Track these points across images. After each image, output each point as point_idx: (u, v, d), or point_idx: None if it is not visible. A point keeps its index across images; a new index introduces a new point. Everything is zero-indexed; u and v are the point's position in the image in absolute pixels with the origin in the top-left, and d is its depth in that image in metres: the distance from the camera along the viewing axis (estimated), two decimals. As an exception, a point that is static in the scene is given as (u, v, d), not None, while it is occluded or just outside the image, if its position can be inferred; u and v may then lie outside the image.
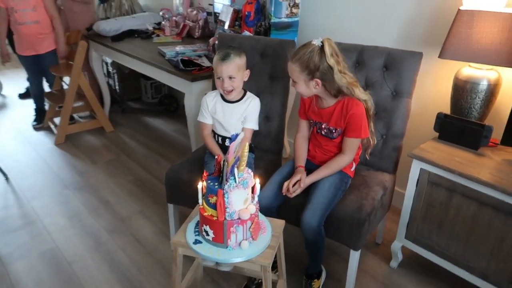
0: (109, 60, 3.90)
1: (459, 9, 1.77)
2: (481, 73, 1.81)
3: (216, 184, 1.43)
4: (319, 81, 1.65)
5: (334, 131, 1.77)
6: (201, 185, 1.46)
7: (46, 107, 3.66)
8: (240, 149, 1.41)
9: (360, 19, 2.35)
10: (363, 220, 1.71)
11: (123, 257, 2.12)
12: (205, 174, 1.48)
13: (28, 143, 3.34)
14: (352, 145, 1.76)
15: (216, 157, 1.49)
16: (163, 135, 3.52)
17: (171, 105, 3.88)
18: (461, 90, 1.85)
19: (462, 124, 1.83)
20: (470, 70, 1.84)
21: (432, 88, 2.15)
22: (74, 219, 2.42)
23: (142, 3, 4.03)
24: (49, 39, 3.25)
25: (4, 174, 2.82)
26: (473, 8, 1.74)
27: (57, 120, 3.49)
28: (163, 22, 3.33)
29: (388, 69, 1.93)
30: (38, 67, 3.37)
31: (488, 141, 1.79)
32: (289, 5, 2.38)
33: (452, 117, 1.87)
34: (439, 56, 1.83)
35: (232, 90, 1.86)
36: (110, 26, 3.25)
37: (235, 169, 1.41)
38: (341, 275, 2.00)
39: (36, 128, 3.60)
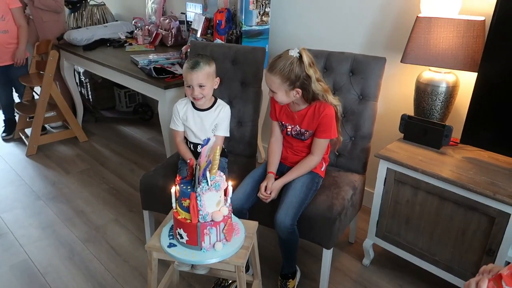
0: (81, 69, 3.88)
1: (417, 16, 1.87)
2: (440, 76, 1.91)
3: (189, 187, 1.46)
4: (299, 90, 1.72)
5: (305, 132, 1.84)
6: (174, 189, 1.48)
7: (16, 117, 3.60)
8: (212, 152, 1.45)
9: (328, 26, 2.44)
10: (334, 219, 1.77)
11: (98, 266, 2.11)
12: (178, 178, 1.51)
13: (-1, 155, 3.28)
14: (321, 146, 1.83)
15: (188, 161, 1.52)
16: (137, 143, 3.52)
17: (145, 113, 3.88)
18: (423, 92, 1.95)
19: (425, 124, 1.93)
20: (430, 74, 1.95)
21: (396, 91, 2.25)
22: (48, 230, 2.39)
23: (114, 12, 4.03)
24: (10, 52, 3.21)
25: (-27, 187, 2.76)
26: (430, 15, 1.84)
27: (28, 131, 3.43)
28: (135, 31, 3.34)
29: (354, 74, 2.01)
30: (6, 78, 3.32)
31: (449, 140, 1.89)
32: (259, 13, 2.45)
33: (415, 118, 1.96)
34: (401, 61, 1.93)
35: (202, 97, 1.89)
36: (82, 35, 3.24)
37: (207, 172, 1.45)
38: (316, 274, 2.05)
39: (6, 140, 3.53)
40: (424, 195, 1.83)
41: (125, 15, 4.01)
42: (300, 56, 1.68)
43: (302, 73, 1.68)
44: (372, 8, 2.24)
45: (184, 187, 1.46)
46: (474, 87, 1.75)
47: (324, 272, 1.89)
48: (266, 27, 2.51)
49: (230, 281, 1.93)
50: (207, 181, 1.44)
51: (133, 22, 3.51)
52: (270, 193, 1.80)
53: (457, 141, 1.92)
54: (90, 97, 3.97)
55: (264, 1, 2.43)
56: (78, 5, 3.92)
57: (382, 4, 2.19)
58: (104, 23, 3.83)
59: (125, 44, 3.23)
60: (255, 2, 2.40)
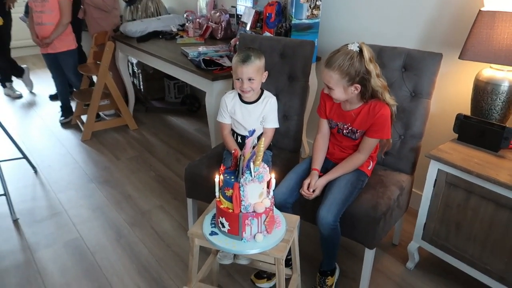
0: (134, 61, 4.02)
1: (480, 10, 1.76)
2: (502, 74, 1.79)
3: (232, 177, 1.47)
4: (358, 86, 1.66)
5: (357, 132, 1.79)
6: (218, 178, 1.50)
7: (72, 104, 3.81)
8: (257, 144, 1.45)
9: (380, 20, 2.36)
10: (378, 218, 1.72)
11: (143, 249, 2.19)
12: (222, 168, 1.52)
13: (56, 139, 3.48)
14: (370, 145, 1.78)
15: (233, 151, 1.53)
16: (184, 133, 3.60)
17: (193, 105, 3.96)
18: (482, 91, 1.84)
19: (482, 125, 1.82)
20: (491, 71, 1.83)
21: (452, 89, 2.14)
22: (98, 211, 2.51)
23: (167, 6, 4.14)
24: (63, 40, 3.38)
25: (33, 167, 2.95)
26: (494, 9, 1.73)
27: (84, 117, 3.62)
28: (187, 24, 3.41)
29: (407, 70, 1.93)
30: (58, 65, 3.53)
31: (509, 143, 1.77)
32: (310, 6, 2.41)
33: (472, 118, 1.86)
34: (460, 57, 1.82)
35: (250, 90, 1.90)
36: (136, 27, 3.36)
37: (251, 164, 1.45)
38: (356, 274, 2.00)
39: (63, 123, 3.75)
40: (478, 200, 1.73)
41: (178, 9, 4.11)
42: (361, 51, 1.63)
43: (362, 68, 1.62)
44: (429, 1, 2.13)
45: (228, 177, 1.47)
46: (540, 87, 1.63)
47: (365, 272, 1.85)
48: (316, 20, 2.47)
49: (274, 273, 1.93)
50: (250, 172, 1.44)
51: (185, 15, 3.58)
52: (313, 191, 1.77)
53: (517, 144, 1.79)
54: (141, 87, 4.11)
55: (315, -6, 2.40)
56: (134, -2, 4.07)
57: (441, -2, 2.09)
58: (157, 16, 3.95)
59: (176, 37, 3.31)
60: (306, -5, 2.37)
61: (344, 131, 1.83)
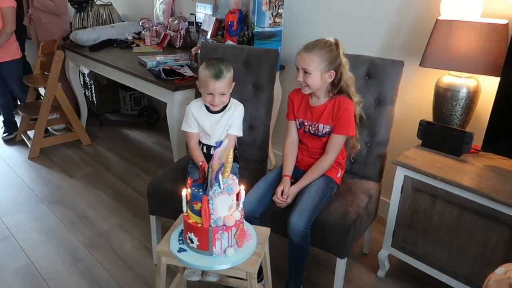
0: (86, 71, 3.83)
1: (437, 19, 1.81)
2: (461, 81, 1.85)
3: (200, 190, 1.40)
4: (333, 72, 1.72)
5: (323, 129, 1.80)
6: (185, 192, 1.42)
7: (16, 119, 3.55)
8: (225, 155, 1.39)
9: (343, 29, 2.38)
10: (349, 227, 1.70)
11: (102, 273, 2.03)
12: (189, 181, 1.44)
13: (0, 157, 3.21)
14: (337, 143, 1.79)
15: (200, 164, 1.46)
16: (143, 147, 3.45)
17: (151, 117, 3.82)
18: (442, 97, 1.89)
19: (444, 131, 1.86)
20: (450, 78, 1.88)
21: (415, 96, 2.18)
22: (51, 234, 2.32)
23: (120, 13, 3.98)
24: (6, 49, 3.14)
25: (-26, 189, 2.69)
26: (450, 18, 1.78)
27: (30, 133, 3.37)
28: (143, 32, 3.30)
29: (371, 77, 1.95)
30: (0, 77, 3.28)
31: (470, 147, 1.82)
32: (272, 14, 2.39)
33: (434, 124, 1.90)
34: (420, 65, 1.87)
35: (220, 104, 1.85)
36: (88, 35, 3.19)
37: (220, 175, 1.38)
38: (328, 285, 1.97)
39: (6, 140, 3.47)
40: (443, 204, 1.75)
41: (132, 16, 3.96)
42: (336, 43, 1.73)
43: (338, 58, 1.71)
44: (389, 10, 2.18)
45: (196, 190, 1.39)
46: (497, 92, 1.69)
47: (337, 283, 1.81)
48: (279, 29, 2.45)
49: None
50: (219, 184, 1.38)
51: (140, 22, 3.46)
52: (286, 198, 1.73)
53: (478, 148, 1.85)
54: (94, 99, 3.92)
55: (277, 2, 2.38)
56: (84, 4, 3.88)
57: (400, 7, 2.14)
58: (110, 23, 3.79)
59: (132, 45, 3.18)
60: (268, 3, 2.35)
61: (311, 129, 1.83)
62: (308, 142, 1.86)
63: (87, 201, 2.64)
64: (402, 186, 1.86)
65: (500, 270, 0.98)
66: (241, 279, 1.79)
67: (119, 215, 2.51)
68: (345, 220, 1.70)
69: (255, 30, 2.39)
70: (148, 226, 2.26)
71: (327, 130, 1.80)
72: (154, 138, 3.61)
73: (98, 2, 3.91)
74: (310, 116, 1.82)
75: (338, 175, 1.86)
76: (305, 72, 1.72)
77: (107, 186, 2.82)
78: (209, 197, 1.35)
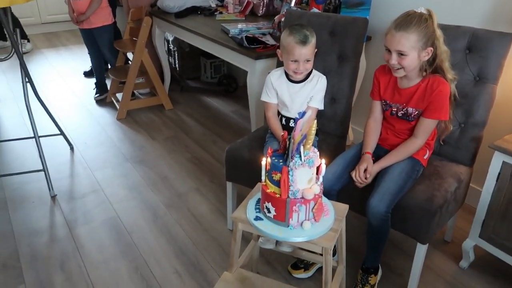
0: (170, 38, 3.94)
1: None
2: None
3: (281, 161, 1.37)
4: (431, 49, 1.56)
5: (413, 113, 1.66)
6: (265, 161, 1.41)
7: (107, 81, 3.79)
8: (307, 127, 1.34)
9: (440, -2, 2.16)
10: (434, 212, 1.58)
11: (179, 232, 2.14)
12: (270, 150, 1.42)
13: (92, 116, 3.48)
14: (427, 127, 1.64)
15: (282, 134, 1.43)
16: (221, 115, 3.52)
17: (230, 85, 3.86)
18: (558, 76, 1.65)
19: (557, 114, 1.63)
20: None
21: (522, 74, 1.93)
22: (134, 191, 2.48)
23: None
24: (98, 14, 3.33)
25: (70, 144, 2.95)
26: None
27: (119, 95, 3.59)
28: (226, 0, 3.29)
29: (472, 51, 1.75)
30: (93, 41, 3.50)
31: None
32: (362, -19, 2.24)
33: (545, 106, 1.67)
34: (535, 37, 1.63)
35: (304, 71, 1.78)
36: (174, 2, 3.26)
37: (301, 147, 1.34)
38: (403, 270, 1.89)
39: (98, 100, 3.73)
40: (548, 196, 1.56)
41: (217, -16, 3.96)
42: (429, 14, 1.55)
43: (433, 32, 1.54)
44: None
45: (276, 160, 1.37)
46: None
47: (415, 268, 1.72)
48: (369, -4, 2.30)
49: (312, 263, 1.83)
50: (300, 156, 1.34)
51: (224, -10, 3.47)
52: (366, 178, 1.65)
53: None
54: (177, 66, 4.04)
55: (369, -32, 2.22)
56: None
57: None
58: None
59: (216, 13, 3.20)
60: (358, -32, 2.20)
61: (399, 112, 1.69)
62: (395, 123, 1.73)
63: (168, 163, 2.78)
64: (499, 173, 1.68)
65: None
66: (314, 253, 1.78)
67: (196, 178, 2.60)
68: (430, 204, 1.59)
69: (343, -3, 2.26)
70: (223, 192, 2.33)
71: (417, 114, 1.66)
72: (232, 106, 3.66)
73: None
74: (398, 99, 1.68)
75: (425, 157, 1.73)
76: (400, 54, 1.56)
77: (186, 150, 2.93)
78: (289, 168, 1.32)
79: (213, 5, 3.33)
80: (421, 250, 1.68)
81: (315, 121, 1.34)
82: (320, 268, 1.86)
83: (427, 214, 1.59)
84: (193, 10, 3.25)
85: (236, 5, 3.24)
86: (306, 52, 1.71)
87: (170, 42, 3.96)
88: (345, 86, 2.03)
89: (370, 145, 1.74)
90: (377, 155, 1.74)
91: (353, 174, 1.68)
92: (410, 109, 1.66)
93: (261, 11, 3.05)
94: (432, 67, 1.60)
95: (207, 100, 3.81)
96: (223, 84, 3.88)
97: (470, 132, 1.79)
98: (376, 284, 1.79)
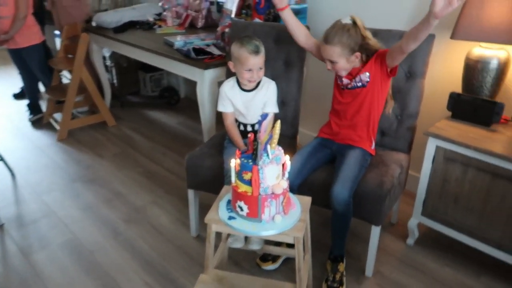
0: (107, 54, 3.87)
1: (469, -9, 1.83)
2: (491, 53, 1.88)
3: (249, 161, 1.46)
4: (358, 54, 1.76)
5: (363, 79, 1.82)
6: (234, 163, 1.49)
7: (41, 103, 3.62)
8: (269, 128, 1.45)
9: (367, 4, 2.40)
10: (385, 195, 1.76)
11: (143, 245, 2.13)
12: (238, 152, 1.51)
13: (29, 140, 3.29)
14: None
15: (249, 136, 1.52)
16: (166, 127, 3.52)
17: (172, 98, 3.87)
18: (473, 69, 1.92)
19: (475, 102, 1.90)
20: (480, 50, 1.91)
21: (443, 68, 2.21)
22: (89, 210, 2.41)
23: (139, -6, 4.00)
24: (24, 34, 3.16)
25: (10, 170, 2.78)
26: (483, -10, 1.80)
27: (57, 115, 3.44)
28: (164, 13, 3.32)
29: (402, 51, 1.98)
30: (23, 61, 3.33)
31: (500, 117, 1.87)
32: (298, -8, 2.42)
33: (465, 95, 1.94)
34: (452, 37, 1.90)
35: (257, 79, 1.90)
36: (111, 18, 3.23)
37: (268, 146, 1.45)
38: (361, 254, 2.05)
39: (33, 122, 3.54)
40: (475, 172, 1.81)
41: (151, -2, 3.97)
42: (354, 22, 1.74)
43: (359, 37, 1.74)
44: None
45: (245, 161, 1.45)
46: (529, 62, 1.73)
47: (372, 249, 1.89)
48: (305, 6, 2.48)
49: (278, 255, 1.93)
50: (268, 155, 1.44)
51: (160, 4, 3.49)
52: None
53: (507, 118, 1.89)
54: (115, 81, 3.97)
55: (303, -20, 2.40)
56: (102, -13, 3.91)
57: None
58: (128, 5, 3.81)
59: (155, 26, 3.21)
60: (294, -20, 2.37)
61: (356, 83, 1.84)
62: (348, 104, 1.87)
63: (119, 179, 2.73)
64: (434, 157, 1.91)
65: None
66: (281, 246, 1.88)
67: (152, 191, 2.59)
68: (381, 189, 1.77)
69: (281, 7, 2.41)
70: (181, 201, 2.37)
71: (367, 78, 1.81)
72: (176, 118, 3.67)
73: (115, -16, 3.93)
74: (351, 77, 1.85)
75: (372, 147, 1.92)
76: (331, 62, 1.77)
77: (137, 165, 2.90)
78: (259, 166, 1.41)
79: (151, 19, 3.35)
80: (376, 232, 1.85)
81: (279, 121, 1.44)
82: (286, 260, 1.98)
83: (379, 198, 1.76)
84: (131, 25, 3.24)
85: (175, 18, 3.28)
86: (259, 61, 1.83)
87: (107, 58, 3.89)
88: (293, 89, 2.17)
89: None
90: (330, 149, 1.90)
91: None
92: (363, 75, 1.81)
93: (200, 23, 3.12)
94: (369, 56, 1.80)
95: (150, 113, 3.79)
96: (165, 97, 3.88)
97: (406, 123, 2.02)
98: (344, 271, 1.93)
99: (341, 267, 1.89)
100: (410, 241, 2.14)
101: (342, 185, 1.71)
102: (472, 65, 1.93)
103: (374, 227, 1.84)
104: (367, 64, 1.82)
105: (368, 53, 1.81)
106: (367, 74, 1.82)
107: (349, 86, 1.87)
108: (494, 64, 1.87)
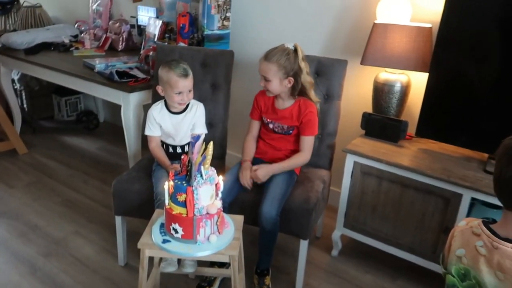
0: (15, 77, 3.59)
1: (374, 23, 2.07)
2: (395, 77, 2.13)
3: (183, 182, 1.47)
4: (292, 79, 1.85)
5: (288, 129, 1.95)
6: (167, 185, 1.48)
7: None
8: (202, 149, 1.48)
9: (287, 30, 2.56)
10: (311, 210, 1.87)
11: (66, 279, 1.99)
12: (171, 174, 1.51)
13: None
14: (309, 143, 1.95)
15: (182, 158, 1.53)
16: (86, 153, 3.34)
17: (90, 122, 3.69)
18: (380, 91, 2.15)
19: (383, 121, 2.12)
20: (386, 75, 2.15)
21: (356, 90, 2.42)
22: (0, 247, 2.18)
23: (51, 15, 3.78)
24: None
25: None
26: (386, 22, 2.05)
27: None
28: (82, 35, 3.20)
29: (320, 75, 2.15)
30: None
31: (405, 134, 2.10)
32: (221, 18, 2.51)
33: (375, 115, 2.15)
34: (361, 63, 2.11)
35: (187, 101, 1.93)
36: (22, 38, 3.02)
37: (202, 167, 1.47)
38: (289, 268, 2.13)
39: None
40: (388, 184, 2.00)
41: (65, 18, 3.79)
42: (295, 50, 1.84)
43: (296, 65, 1.84)
44: (330, 15, 2.40)
45: (179, 182, 1.46)
46: (426, 85, 1.98)
47: (300, 263, 1.97)
48: (227, 31, 2.58)
49: (214, 278, 1.93)
50: (202, 175, 1.47)
51: (76, 25, 3.36)
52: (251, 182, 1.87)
53: (411, 135, 2.14)
54: (25, 106, 3.69)
55: (225, 6, 2.50)
56: (8, 6, 3.64)
57: (340, 12, 2.36)
58: (40, 26, 3.59)
59: (71, 48, 3.08)
60: (217, 6, 2.46)
61: (276, 128, 1.98)
62: (275, 138, 2.00)
63: (35, 210, 2.52)
64: (352, 171, 2.08)
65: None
66: (216, 267, 1.89)
67: (73, 221, 2.44)
68: (307, 204, 1.87)
69: (205, 32, 2.49)
70: (106, 230, 2.27)
71: (292, 129, 1.96)
72: (96, 143, 3.50)
73: (25, 4, 3.69)
74: (276, 117, 1.97)
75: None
76: (265, 79, 1.87)
77: (54, 194, 2.71)
78: (193, 187, 1.43)
79: (67, 41, 3.20)
80: (304, 246, 1.94)
81: (211, 142, 1.48)
82: (222, 281, 1.98)
83: (306, 213, 1.86)
84: (44, 46, 3.06)
85: (93, 40, 3.18)
86: (188, 83, 1.87)
87: (16, 81, 3.60)
88: (220, 111, 2.23)
89: (249, 156, 2.00)
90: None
91: (242, 181, 1.88)
92: (285, 126, 1.96)
93: (121, 46, 3.06)
94: (297, 92, 1.91)
95: (66, 139, 3.57)
96: (83, 121, 3.69)
97: (326, 141, 2.18)
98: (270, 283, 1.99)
99: (267, 280, 1.96)
100: (335, 252, 2.27)
101: (271, 203, 1.79)
102: (379, 87, 2.15)
103: (302, 241, 1.93)
104: (288, 118, 1.93)
105: (297, 87, 1.89)
106: (292, 128, 1.95)
107: (276, 130, 1.99)
108: (398, 87, 2.12)
